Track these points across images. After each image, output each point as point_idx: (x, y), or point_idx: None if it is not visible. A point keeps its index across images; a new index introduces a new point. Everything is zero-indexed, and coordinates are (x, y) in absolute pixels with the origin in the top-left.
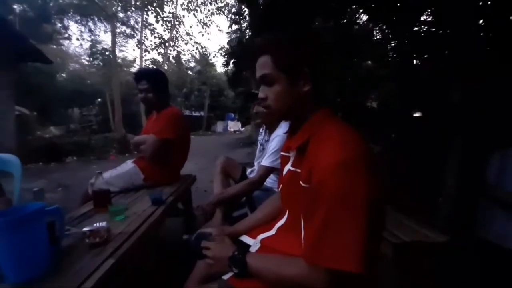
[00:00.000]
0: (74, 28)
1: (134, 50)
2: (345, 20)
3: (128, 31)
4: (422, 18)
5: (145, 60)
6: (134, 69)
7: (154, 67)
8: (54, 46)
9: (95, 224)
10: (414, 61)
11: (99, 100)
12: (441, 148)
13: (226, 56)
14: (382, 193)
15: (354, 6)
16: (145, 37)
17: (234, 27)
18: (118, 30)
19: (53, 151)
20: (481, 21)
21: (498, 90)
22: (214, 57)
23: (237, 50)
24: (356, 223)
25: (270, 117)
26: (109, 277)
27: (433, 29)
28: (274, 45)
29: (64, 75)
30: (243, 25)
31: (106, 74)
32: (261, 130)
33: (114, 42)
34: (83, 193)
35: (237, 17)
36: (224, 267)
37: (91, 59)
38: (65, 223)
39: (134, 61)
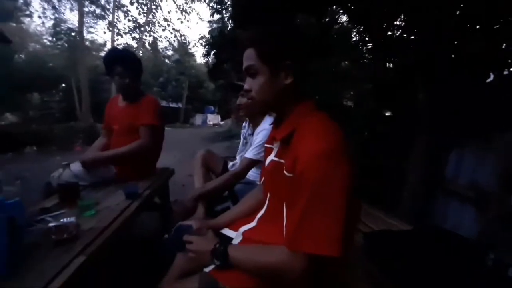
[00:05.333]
0: (36, 4)
1: (105, 32)
2: (327, 19)
3: (98, 11)
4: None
5: (117, 44)
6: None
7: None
8: (14, 24)
9: (62, 220)
10: (387, 64)
11: (63, 85)
12: (406, 146)
13: (206, 47)
14: (357, 183)
15: (334, 7)
16: (117, 19)
17: (216, 16)
18: (86, 9)
19: (9, 140)
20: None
21: (458, 93)
22: (194, 46)
23: (218, 41)
24: (336, 209)
25: (254, 108)
26: (79, 276)
27: (404, 34)
28: (258, 38)
29: (22, 55)
30: (225, 16)
31: (72, 57)
32: (244, 123)
33: (81, 22)
34: (44, 186)
35: (219, 6)
36: (206, 261)
37: (54, 39)
38: (27, 219)
39: (104, 44)
